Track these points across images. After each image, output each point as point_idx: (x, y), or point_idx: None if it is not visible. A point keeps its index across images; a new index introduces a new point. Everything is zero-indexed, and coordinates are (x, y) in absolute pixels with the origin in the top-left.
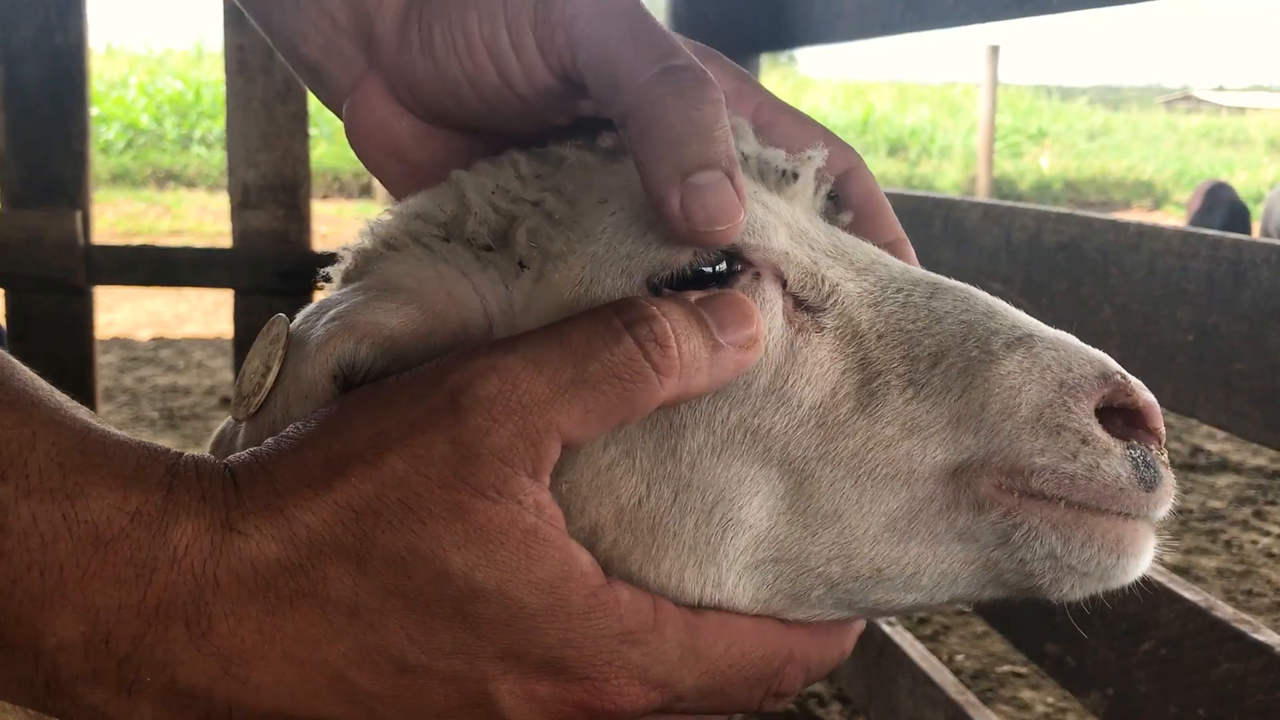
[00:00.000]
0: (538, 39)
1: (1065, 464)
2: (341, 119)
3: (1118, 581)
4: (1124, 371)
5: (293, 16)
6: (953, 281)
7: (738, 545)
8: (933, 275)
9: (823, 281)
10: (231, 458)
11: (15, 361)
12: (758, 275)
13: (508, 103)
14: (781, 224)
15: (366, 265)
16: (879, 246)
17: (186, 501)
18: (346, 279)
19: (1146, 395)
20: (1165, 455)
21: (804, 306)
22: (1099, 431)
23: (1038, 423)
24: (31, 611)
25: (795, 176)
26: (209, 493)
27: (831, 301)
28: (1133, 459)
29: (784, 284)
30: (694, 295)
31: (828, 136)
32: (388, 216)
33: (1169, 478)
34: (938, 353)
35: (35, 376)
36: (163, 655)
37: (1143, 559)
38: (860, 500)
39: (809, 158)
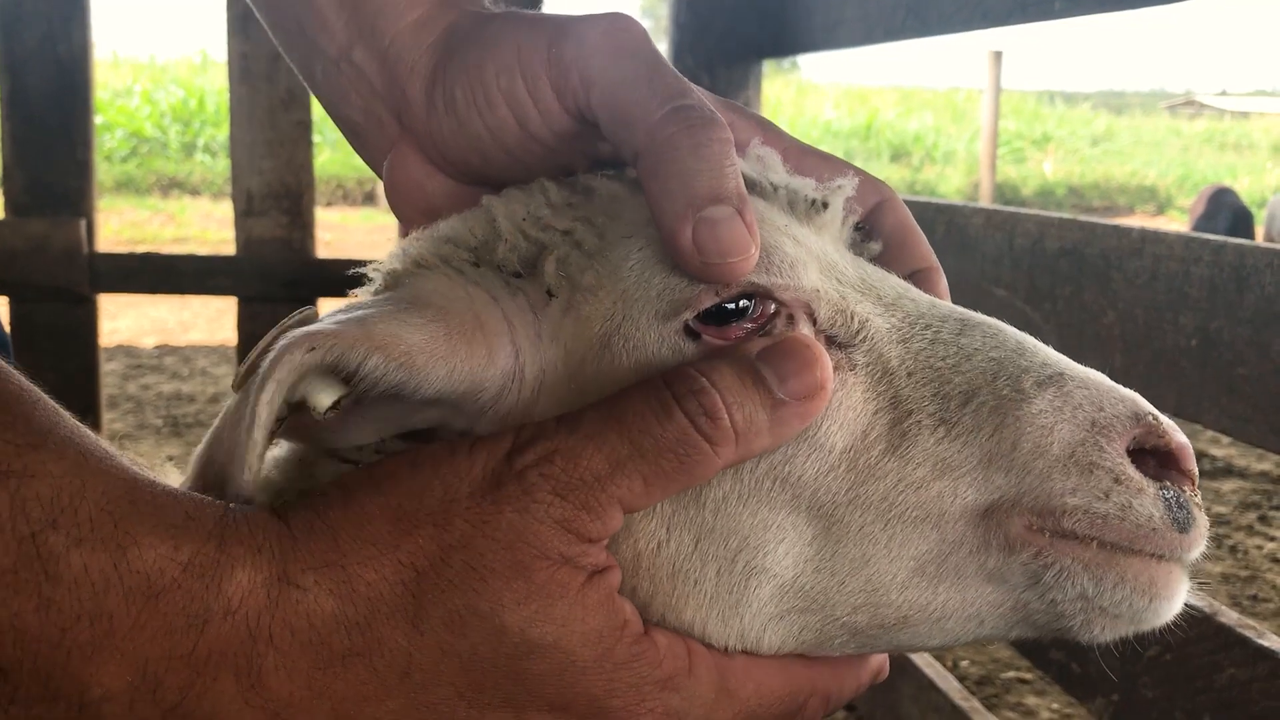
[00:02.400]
0: (552, 82)
1: (1098, 503)
2: (381, 179)
3: (1149, 624)
4: (1156, 412)
5: (334, 77)
6: (981, 317)
7: (762, 595)
8: (961, 310)
9: (853, 318)
10: (285, 506)
11: (61, 409)
12: (791, 318)
13: (531, 152)
14: (812, 259)
15: (397, 283)
16: (913, 274)
17: (240, 553)
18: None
19: (1179, 437)
20: (1199, 497)
21: (835, 343)
22: (1132, 471)
23: (1070, 461)
24: (79, 661)
25: (825, 206)
26: (263, 545)
27: (861, 338)
28: (1165, 500)
29: (814, 321)
30: (757, 346)
31: (856, 172)
32: (418, 240)
33: (1203, 520)
34: (968, 391)
35: (79, 425)
36: (209, 707)
37: (1175, 602)
38: (890, 544)
39: (839, 187)
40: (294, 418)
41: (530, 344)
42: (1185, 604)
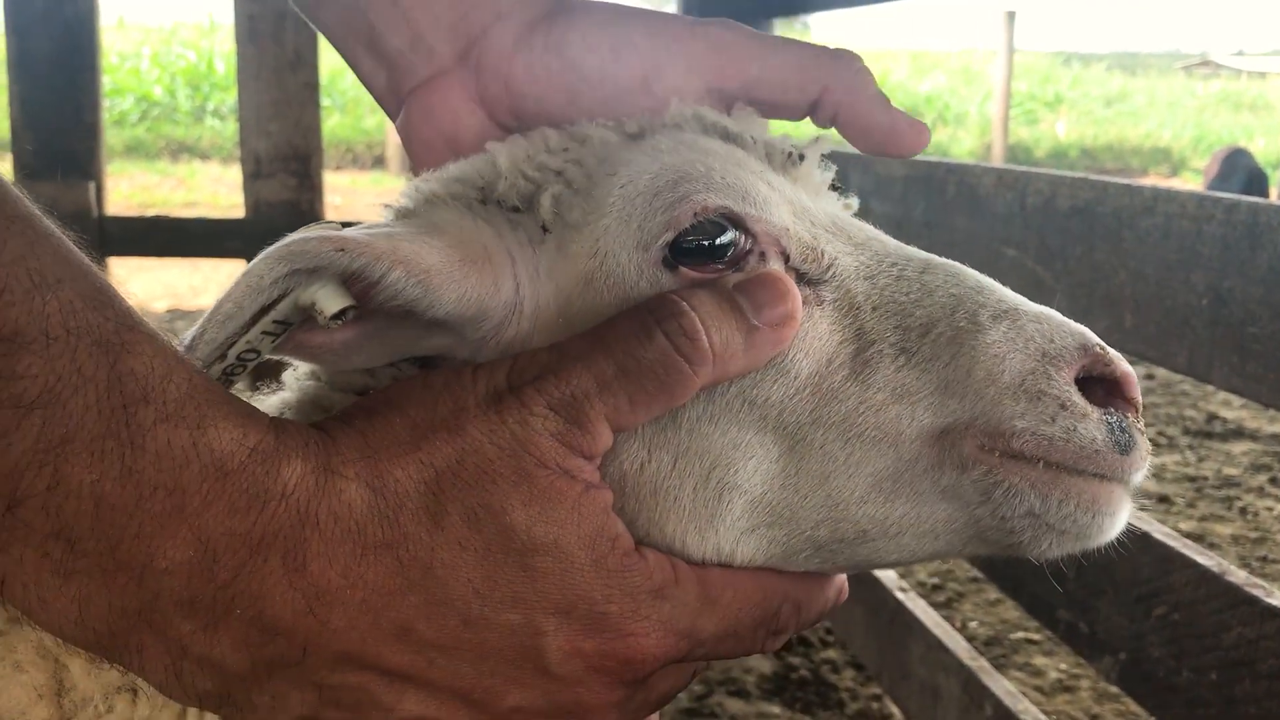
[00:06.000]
0: (704, 61)
1: (1044, 426)
2: (390, 102)
3: (1094, 541)
4: (1103, 344)
5: (384, 8)
6: (944, 260)
7: (734, 510)
8: (925, 253)
9: (822, 255)
10: (318, 420)
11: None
12: (763, 255)
13: (621, 99)
14: (784, 201)
15: (410, 216)
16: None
17: (293, 444)
18: None
19: (1124, 366)
20: (1142, 423)
21: (805, 280)
22: (1077, 398)
23: (1020, 389)
24: (150, 531)
25: (801, 158)
26: (310, 439)
27: (830, 274)
28: (1109, 424)
29: (786, 259)
30: (733, 279)
31: (813, 53)
32: (428, 180)
33: (1144, 444)
34: (928, 323)
35: None
36: (257, 587)
37: (1118, 519)
38: (848, 461)
39: (815, 140)
40: (301, 334)
41: (529, 277)
42: (1193, 564)
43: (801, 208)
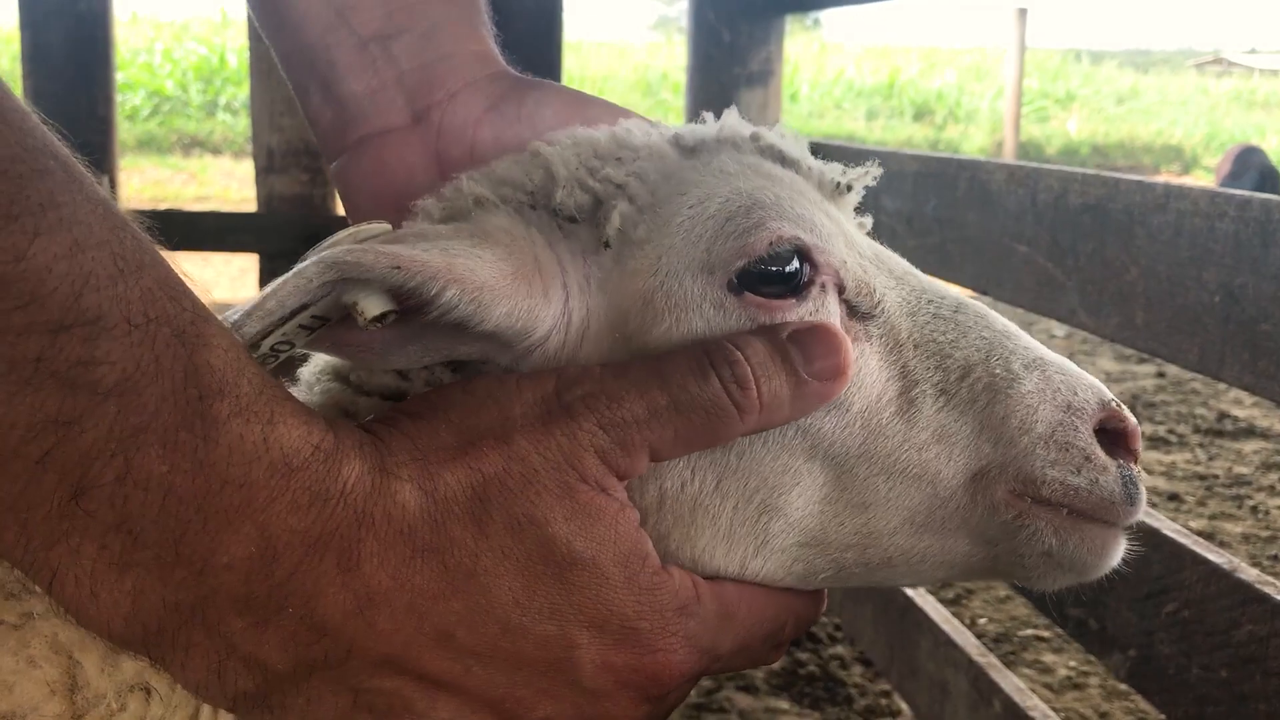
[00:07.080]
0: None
1: (1071, 477)
2: (331, 143)
3: (1090, 576)
4: (1116, 399)
5: (352, 52)
6: (971, 300)
7: (771, 529)
8: (953, 291)
9: (874, 291)
10: (362, 423)
11: None
12: (824, 287)
13: None
14: (840, 233)
15: (454, 218)
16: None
17: (350, 444)
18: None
19: (1133, 421)
20: (1140, 471)
21: (857, 314)
22: (1099, 451)
23: (1050, 439)
24: (216, 525)
25: (849, 189)
26: (363, 441)
27: (880, 309)
28: (1123, 477)
29: (841, 290)
30: (789, 327)
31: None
32: (474, 180)
33: (1144, 493)
34: (966, 366)
35: None
36: (310, 586)
37: (1115, 558)
38: (889, 495)
39: (864, 172)
40: (340, 332)
41: (578, 288)
42: (1204, 561)
43: (850, 239)
